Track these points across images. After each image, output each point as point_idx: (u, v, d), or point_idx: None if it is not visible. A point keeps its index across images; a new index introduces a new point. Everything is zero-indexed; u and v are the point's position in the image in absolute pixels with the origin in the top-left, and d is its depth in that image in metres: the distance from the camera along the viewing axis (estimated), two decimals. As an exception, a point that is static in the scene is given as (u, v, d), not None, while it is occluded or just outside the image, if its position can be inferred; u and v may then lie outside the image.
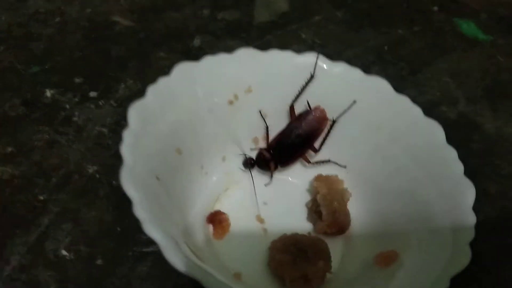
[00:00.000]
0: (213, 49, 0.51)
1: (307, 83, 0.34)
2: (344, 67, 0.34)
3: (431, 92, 0.48)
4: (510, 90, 0.50)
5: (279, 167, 0.35)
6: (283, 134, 0.35)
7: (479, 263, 0.28)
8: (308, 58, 0.34)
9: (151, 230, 0.23)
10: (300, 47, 0.50)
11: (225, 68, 0.33)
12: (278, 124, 0.35)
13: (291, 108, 0.35)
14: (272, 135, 0.35)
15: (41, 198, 0.34)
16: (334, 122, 0.34)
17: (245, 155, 0.35)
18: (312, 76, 0.34)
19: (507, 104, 0.48)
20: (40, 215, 0.33)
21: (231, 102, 0.34)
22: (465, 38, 0.56)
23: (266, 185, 0.36)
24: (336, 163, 0.35)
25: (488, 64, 0.53)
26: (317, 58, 0.34)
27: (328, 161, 0.35)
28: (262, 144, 0.36)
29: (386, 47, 0.53)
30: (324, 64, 0.34)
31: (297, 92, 0.35)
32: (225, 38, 0.50)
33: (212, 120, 0.33)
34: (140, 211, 0.24)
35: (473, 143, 0.43)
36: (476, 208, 0.29)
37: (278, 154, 0.35)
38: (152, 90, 0.30)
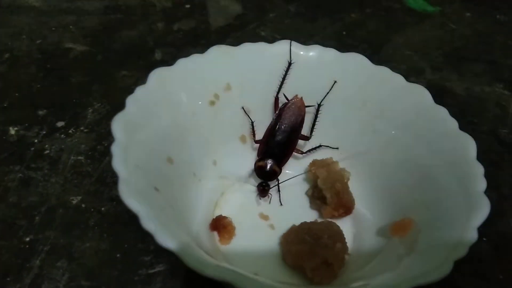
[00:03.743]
0: (176, 60, 0.50)
1: (286, 71, 0.34)
2: (318, 48, 0.34)
3: (398, 66, 0.49)
4: (468, 53, 0.52)
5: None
6: (269, 135, 0.34)
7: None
8: (282, 46, 0.34)
9: (166, 240, 0.21)
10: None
11: (200, 69, 0.32)
12: (264, 118, 0.35)
13: (276, 100, 0.34)
14: (260, 130, 0.35)
15: (27, 239, 0.32)
16: (319, 105, 0.34)
17: (259, 185, 0.33)
18: (290, 63, 0.33)
19: (469, 66, 0.50)
20: (30, 258, 0.31)
21: (212, 103, 0.33)
22: (415, 12, 0.58)
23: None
24: (328, 146, 0.35)
25: (442, 33, 0.55)
26: (291, 44, 0.34)
27: (319, 146, 0.35)
28: (250, 142, 0.35)
29: (344, 32, 0.54)
30: (298, 49, 0.34)
31: (278, 83, 0.34)
32: (186, 47, 0.49)
33: (197, 123, 0.32)
34: (148, 223, 0.22)
35: (448, 106, 0.44)
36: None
37: (274, 157, 0.33)
38: (132, 100, 0.28)
